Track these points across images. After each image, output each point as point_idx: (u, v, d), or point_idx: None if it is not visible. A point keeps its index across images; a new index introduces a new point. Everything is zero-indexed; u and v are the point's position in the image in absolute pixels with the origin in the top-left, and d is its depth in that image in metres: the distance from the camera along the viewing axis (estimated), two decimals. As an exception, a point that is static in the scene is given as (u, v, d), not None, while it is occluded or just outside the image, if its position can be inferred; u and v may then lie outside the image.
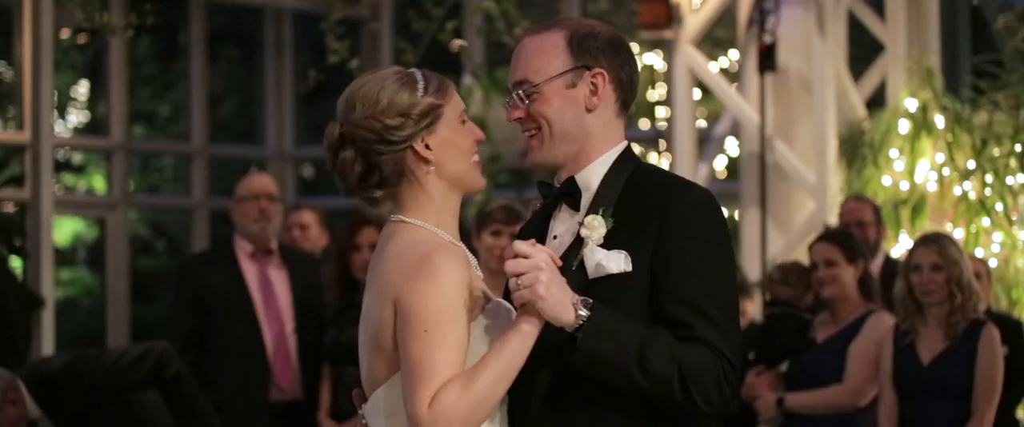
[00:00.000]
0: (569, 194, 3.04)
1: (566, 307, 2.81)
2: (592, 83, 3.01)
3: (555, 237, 3.05)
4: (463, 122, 3.02)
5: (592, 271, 2.92)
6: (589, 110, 3.02)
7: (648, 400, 2.87)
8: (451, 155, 2.99)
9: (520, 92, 3.03)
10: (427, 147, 2.97)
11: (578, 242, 2.96)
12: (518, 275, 2.82)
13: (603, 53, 3.02)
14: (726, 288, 2.94)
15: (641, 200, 2.96)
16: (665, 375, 2.82)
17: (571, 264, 2.93)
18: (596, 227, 2.94)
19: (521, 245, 2.83)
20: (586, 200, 3.02)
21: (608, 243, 2.93)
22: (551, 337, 2.85)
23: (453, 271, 2.85)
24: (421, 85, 2.98)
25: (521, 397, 2.95)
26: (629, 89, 3.07)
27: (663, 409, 2.88)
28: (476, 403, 2.79)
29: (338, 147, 2.99)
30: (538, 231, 3.10)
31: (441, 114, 2.98)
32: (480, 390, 2.79)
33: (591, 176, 3.03)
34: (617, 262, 2.90)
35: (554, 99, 3.01)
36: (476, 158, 3.04)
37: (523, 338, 2.84)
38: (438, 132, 2.97)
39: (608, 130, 3.05)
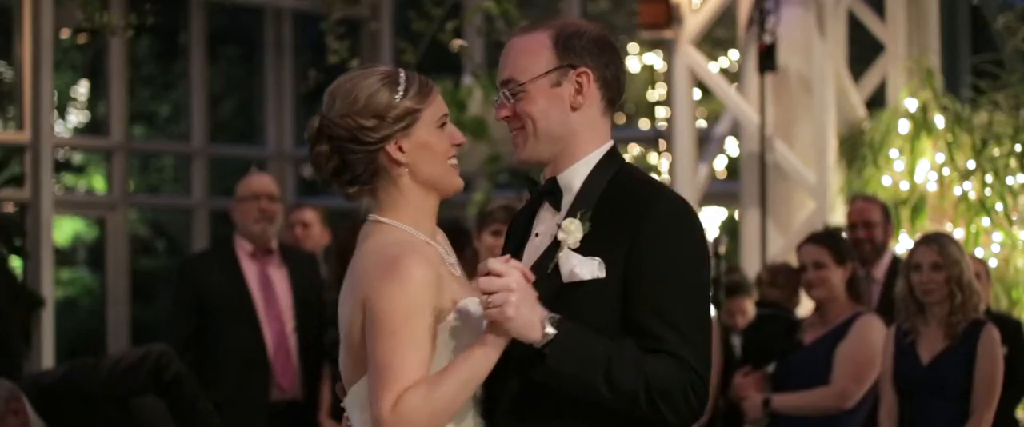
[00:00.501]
0: (552, 193, 3.07)
1: (534, 326, 2.82)
2: (577, 82, 3.03)
3: (537, 235, 3.08)
4: (442, 125, 3.03)
5: (566, 276, 2.94)
6: (574, 108, 3.04)
7: (617, 411, 2.89)
8: (426, 158, 3.01)
9: (507, 91, 3.06)
10: (400, 149, 2.99)
11: (556, 245, 2.98)
12: (489, 293, 2.82)
13: (588, 52, 3.04)
14: (697, 298, 2.95)
15: (619, 205, 2.98)
16: (632, 390, 2.84)
17: (547, 267, 2.96)
18: (573, 231, 2.95)
19: (495, 264, 2.84)
20: (567, 201, 3.04)
21: (585, 247, 2.95)
22: (521, 346, 2.87)
23: (420, 275, 2.87)
24: (401, 87, 2.99)
25: (493, 403, 2.98)
26: (615, 88, 3.08)
27: (632, 418, 2.90)
28: (439, 409, 2.83)
29: (315, 140, 3.03)
30: (525, 226, 3.14)
31: (418, 118, 3.00)
32: (443, 397, 2.83)
33: (574, 177, 3.05)
34: (590, 269, 2.92)
35: (539, 98, 3.03)
36: (454, 161, 3.06)
37: (489, 350, 2.86)
38: (413, 135, 2.99)
39: (593, 129, 3.06)
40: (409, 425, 2.81)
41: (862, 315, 5.97)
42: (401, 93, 2.99)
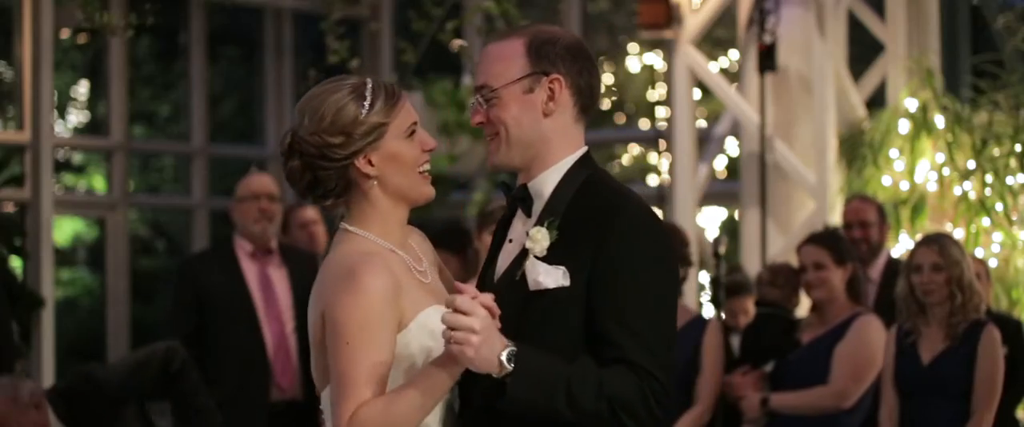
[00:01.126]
0: (523, 199, 3.10)
1: (492, 364, 2.84)
2: (549, 88, 3.06)
3: (510, 241, 3.12)
4: (411, 134, 3.05)
5: (532, 285, 2.97)
6: (546, 115, 3.06)
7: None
8: (395, 169, 3.03)
9: (480, 97, 3.08)
10: (369, 163, 3.01)
11: (524, 252, 3.01)
12: (453, 329, 2.83)
13: (561, 59, 3.06)
14: (658, 306, 2.97)
15: (586, 213, 3.01)
16: (594, 409, 2.88)
17: (515, 275, 3.00)
18: (539, 240, 2.98)
19: (462, 302, 2.83)
20: (538, 207, 3.07)
21: (552, 254, 2.98)
22: (484, 376, 2.88)
23: (378, 285, 2.89)
24: (367, 102, 3.01)
25: (459, 417, 3.03)
26: (588, 95, 3.11)
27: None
28: (394, 425, 2.86)
29: (287, 156, 3.05)
30: (503, 231, 3.18)
31: (386, 131, 3.02)
32: (400, 413, 2.86)
33: (544, 184, 3.08)
34: (555, 278, 2.95)
35: (512, 104, 3.05)
36: (426, 167, 3.09)
37: (447, 373, 2.88)
38: (382, 147, 3.02)
39: (566, 135, 3.09)
40: None
41: (861, 315, 5.97)
42: (367, 108, 3.00)
